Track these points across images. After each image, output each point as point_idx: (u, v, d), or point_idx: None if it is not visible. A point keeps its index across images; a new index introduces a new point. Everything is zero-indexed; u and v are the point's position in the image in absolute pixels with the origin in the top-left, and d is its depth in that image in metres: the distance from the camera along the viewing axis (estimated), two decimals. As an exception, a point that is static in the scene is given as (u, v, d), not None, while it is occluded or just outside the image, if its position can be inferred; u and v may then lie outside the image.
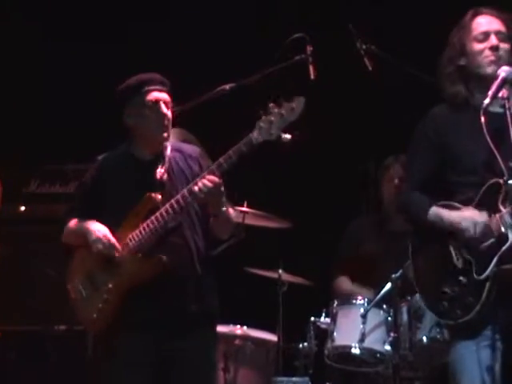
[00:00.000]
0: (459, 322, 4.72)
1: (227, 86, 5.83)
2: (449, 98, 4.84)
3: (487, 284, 4.57)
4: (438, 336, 5.91)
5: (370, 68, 5.96)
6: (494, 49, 4.65)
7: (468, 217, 4.69)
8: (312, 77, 5.75)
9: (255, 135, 4.90)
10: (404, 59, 5.85)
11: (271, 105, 4.88)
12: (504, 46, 4.68)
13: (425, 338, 5.98)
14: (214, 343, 5.50)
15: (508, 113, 4.51)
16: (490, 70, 4.67)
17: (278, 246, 6.56)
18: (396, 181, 6.62)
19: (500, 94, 4.54)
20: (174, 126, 5.74)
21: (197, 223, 5.28)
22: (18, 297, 6.61)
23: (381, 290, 6.07)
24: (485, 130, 4.44)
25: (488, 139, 4.45)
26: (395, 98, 6.33)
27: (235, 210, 5.45)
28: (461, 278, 4.68)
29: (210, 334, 5.39)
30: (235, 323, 6.47)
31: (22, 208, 6.86)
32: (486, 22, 4.73)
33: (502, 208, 4.57)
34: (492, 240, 4.60)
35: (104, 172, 5.39)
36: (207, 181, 4.95)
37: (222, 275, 5.84)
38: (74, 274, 5.31)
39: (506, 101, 4.55)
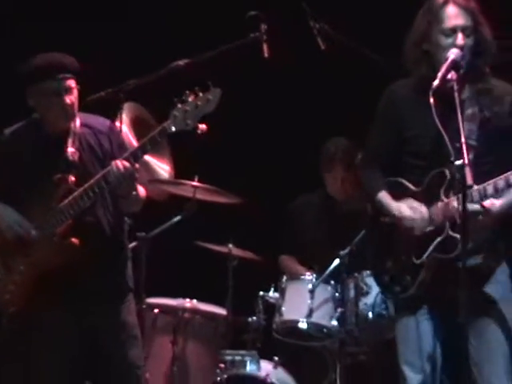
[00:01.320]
0: (398, 298, 4.93)
1: (181, 62, 5.79)
2: (415, 81, 4.86)
3: (423, 268, 4.74)
4: (384, 312, 6.06)
5: (323, 47, 5.96)
6: (460, 48, 4.67)
7: (407, 208, 4.82)
8: (266, 55, 5.74)
9: (169, 124, 4.92)
10: (357, 39, 5.83)
11: (187, 93, 4.86)
12: (468, 41, 4.70)
13: (370, 314, 6.10)
14: (129, 311, 5.43)
15: (457, 96, 4.55)
16: (451, 55, 4.69)
17: (229, 221, 6.54)
18: (338, 169, 6.73)
19: (449, 76, 4.58)
20: (128, 99, 5.79)
21: (109, 201, 5.28)
22: None
23: (328, 266, 6.13)
24: (433, 112, 4.48)
25: (436, 120, 4.49)
26: (348, 77, 6.35)
27: (143, 186, 5.40)
28: (402, 257, 4.84)
29: (121, 310, 5.36)
30: (185, 297, 6.43)
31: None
32: (454, 16, 4.72)
33: (443, 197, 4.68)
34: (431, 228, 4.73)
35: (11, 151, 5.31)
36: (122, 168, 4.94)
37: (172, 249, 5.89)
38: None
39: (455, 83, 4.58)
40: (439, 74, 4.57)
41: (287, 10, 6.07)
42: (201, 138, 4.88)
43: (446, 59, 4.62)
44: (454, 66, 4.61)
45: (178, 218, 6.36)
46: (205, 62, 5.78)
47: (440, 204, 4.69)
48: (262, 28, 5.76)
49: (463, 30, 4.69)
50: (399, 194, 4.88)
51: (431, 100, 4.49)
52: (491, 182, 4.50)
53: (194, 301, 6.44)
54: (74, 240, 5.06)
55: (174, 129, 4.87)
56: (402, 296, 4.84)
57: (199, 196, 6.22)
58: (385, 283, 5.01)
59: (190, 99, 4.83)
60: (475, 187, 4.49)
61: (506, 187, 4.50)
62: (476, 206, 4.51)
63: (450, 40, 4.68)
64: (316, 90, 6.67)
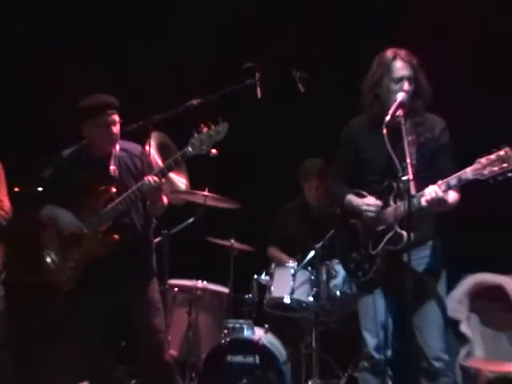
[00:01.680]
0: (360, 281, 5.01)
1: (195, 101, 5.71)
2: (369, 117, 4.90)
3: (378, 258, 4.84)
4: (348, 291, 6.09)
5: (302, 90, 6.01)
6: (405, 92, 4.72)
7: (369, 202, 4.88)
8: (259, 96, 5.74)
9: (189, 149, 4.98)
10: (328, 84, 5.84)
11: (202, 125, 4.96)
12: (411, 88, 4.76)
13: (338, 293, 6.14)
14: (154, 290, 5.46)
15: (403, 127, 4.60)
16: (398, 97, 4.72)
17: (231, 221, 6.55)
18: (313, 182, 6.66)
19: (398, 113, 4.66)
20: (155, 129, 5.74)
21: (140, 207, 5.33)
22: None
23: (306, 256, 6.16)
24: (386, 139, 4.55)
25: (388, 146, 4.55)
26: (321, 112, 6.36)
27: (166, 195, 5.44)
28: (362, 249, 4.95)
29: (150, 286, 5.40)
30: (197, 279, 6.44)
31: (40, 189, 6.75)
32: (401, 68, 4.76)
33: (392, 203, 4.77)
34: (383, 227, 4.82)
35: (67, 166, 5.32)
36: (152, 181, 5.03)
37: (188, 243, 5.94)
38: (46, 247, 5.30)
39: (402, 118, 4.65)
40: (390, 112, 4.64)
41: (275, 62, 6.04)
42: (212, 160, 4.98)
43: (395, 100, 4.69)
44: (401, 105, 4.68)
45: (191, 220, 6.42)
46: (213, 100, 5.70)
47: (390, 208, 4.77)
48: (256, 76, 5.75)
49: (408, 78, 4.75)
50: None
51: (384, 131, 4.55)
52: (444, 180, 4.50)
53: (204, 282, 6.45)
54: (115, 236, 5.15)
55: (192, 153, 4.98)
56: (363, 279, 4.95)
57: (208, 202, 6.26)
58: (350, 269, 5.11)
59: (205, 130, 4.94)
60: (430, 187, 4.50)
61: (458, 183, 4.50)
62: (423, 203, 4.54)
63: (397, 86, 4.75)
64: (297, 122, 6.70)
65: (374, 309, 4.91)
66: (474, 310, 5.54)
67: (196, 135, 4.97)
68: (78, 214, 5.23)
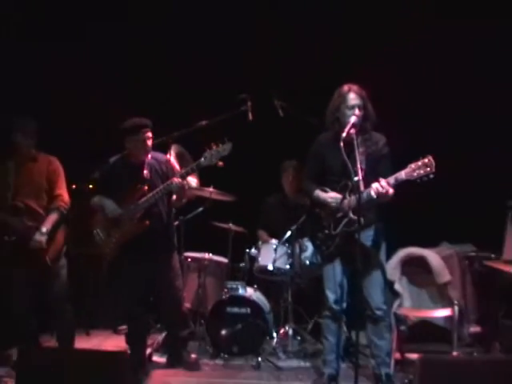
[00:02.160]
0: (324, 254, 5.05)
1: (203, 122, 5.77)
2: (332, 134, 4.92)
3: (337, 237, 4.90)
4: (315, 261, 6.04)
5: (281, 114, 5.98)
6: (356, 116, 4.78)
7: (332, 196, 4.92)
8: (250, 118, 5.75)
9: (202, 160, 5.06)
10: (300, 109, 5.79)
11: (213, 144, 5.03)
12: (360, 113, 4.82)
13: (307, 262, 6.13)
14: (175, 262, 5.51)
15: (355, 142, 4.67)
16: (352, 120, 4.77)
17: (230, 210, 6.51)
18: (290, 178, 6.60)
19: (351, 131, 4.72)
20: (174, 143, 5.72)
21: (165, 200, 5.37)
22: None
23: (284, 235, 6.12)
24: (342, 151, 4.60)
25: (344, 156, 4.59)
26: (296, 130, 6.34)
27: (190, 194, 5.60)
28: (326, 230, 4.99)
29: (172, 258, 5.46)
30: (205, 251, 6.41)
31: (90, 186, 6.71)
32: (353, 99, 4.81)
33: (348, 196, 4.81)
34: (341, 214, 4.88)
35: (112, 170, 5.37)
36: (178, 182, 5.11)
37: (199, 226, 5.94)
38: (95, 226, 5.34)
39: (354, 135, 4.71)
40: (345, 130, 4.71)
41: (262, 94, 6.03)
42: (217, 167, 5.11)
43: (349, 122, 4.77)
44: (353, 126, 4.76)
45: (201, 209, 6.38)
46: (216, 123, 5.75)
47: (346, 200, 4.83)
48: (247, 104, 5.75)
49: (358, 106, 4.82)
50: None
51: (341, 144, 4.61)
52: (386, 180, 4.55)
53: (210, 254, 6.43)
54: (146, 222, 5.22)
55: (204, 163, 5.07)
56: (326, 252, 5.01)
57: (213, 196, 6.23)
58: (316, 245, 5.17)
59: (215, 147, 5.03)
60: (373, 185, 4.58)
61: (395, 182, 4.55)
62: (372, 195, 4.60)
63: (351, 112, 4.82)
64: (278, 138, 6.62)
65: (334, 273, 4.99)
66: (404, 273, 5.53)
67: (208, 150, 5.03)
68: (119, 204, 5.28)
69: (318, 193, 5.03)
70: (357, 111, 4.82)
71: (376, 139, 4.92)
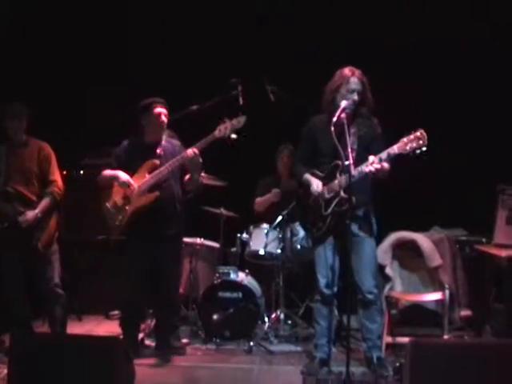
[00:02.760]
0: (315, 236, 5.06)
1: (194, 107, 5.83)
2: (326, 116, 4.91)
3: (328, 217, 4.91)
4: (306, 245, 6.06)
5: (273, 99, 6.00)
6: (353, 101, 4.81)
7: (315, 184, 4.95)
8: (241, 103, 5.74)
9: (217, 133, 5.09)
10: (290, 94, 5.80)
11: (226, 118, 5.07)
12: (359, 98, 4.84)
13: (298, 246, 6.14)
14: (180, 247, 5.61)
15: (345, 126, 4.70)
16: (342, 104, 4.79)
17: (221, 195, 6.47)
18: (285, 160, 6.61)
19: (342, 116, 4.75)
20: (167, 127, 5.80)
21: (178, 179, 5.40)
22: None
23: (276, 220, 6.12)
24: (333, 135, 4.65)
25: (335, 140, 4.65)
26: (287, 114, 6.32)
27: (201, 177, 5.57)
28: (317, 212, 4.98)
29: (178, 243, 5.54)
30: (196, 236, 6.39)
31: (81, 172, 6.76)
32: (355, 83, 4.83)
33: (338, 176, 4.84)
34: (332, 194, 4.89)
35: (128, 148, 5.41)
36: (192, 152, 5.12)
37: (191, 211, 5.91)
38: (106, 201, 5.35)
39: (345, 119, 4.74)
40: (336, 114, 4.73)
41: (254, 78, 6.02)
42: (232, 144, 5.18)
43: (339, 107, 4.77)
44: (344, 110, 4.77)
45: (191, 194, 6.35)
46: (207, 106, 5.78)
47: (337, 180, 4.83)
48: (238, 88, 5.76)
49: (358, 92, 4.85)
50: (314, 177, 5.00)
51: (332, 128, 4.66)
52: (378, 155, 4.60)
53: (202, 239, 6.42)
54: (155, 193, 5.23)
55: (218, 135, 5.09)
56: (317, 235, 5.02)
57: (205, 181, 5.96)
58: (307, 228, 5.21)
59: (228, 120, 5.08)
60: (370, 158, 4.62)
61: (388, 157, 4.59)
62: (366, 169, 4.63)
63: (350, 95, 4.83)
64: (269, 121, 6.60)
65: (325, 257, 5.00)
66: (395, 257, 5.57)
67: (222, 123, 5.08)
68: (132, 177, 5.29)
69: (307, 176, 5.06)
70: (355, 96, 4.84)
71: (370, 122, 4.95)
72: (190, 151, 5.16)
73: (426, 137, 4.46)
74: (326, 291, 5.00)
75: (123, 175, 5.28)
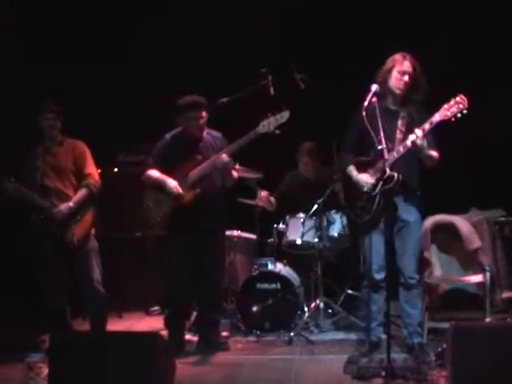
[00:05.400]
0: (364, 221, 4.97)
1: (225, 99, 5.72)
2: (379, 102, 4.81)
3: (377, 197, 4.81)
4: (343, 233, 6.08)
5: (303, 87, 5.89)
6: (404, 83, 4.84)
7: (364, 180, 4.92)
8: (272, 93, 5.65)
9: (260, 128, 5.05)
10: (321, 83, 5.66)
11: (269, 113, 5.02)
12: (409, 81, 4.84)
13: (336, 234, 6.12)
14: (223, 241, 5.67)
15: (377, 111, 4.65)
16: (397, 91, 4.87)
17: (256, 186, 6.49)
18: (305, 159, 6.63)
19: (373, 100, 4.70)
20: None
21: (219, 174, 5.37)
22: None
23: (312, 209, 6.08)
24: (364, 119, 4.59)
25: (367, 125, 4.60)
26: (315, 104, 6.28)
27: (236, 172, 5.58)
28: (365, 196, 4.92)
29: (221, 237, 5.59)
30: (234, 229, 6.39)
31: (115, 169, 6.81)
32: (407, 66, 4.86)
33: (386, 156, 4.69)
34: (378, 175, 4.80)
35: (170, 143, 5.41)
36: (223, 157, 5.12)
37: (229, 203, 5.92)
38: (147, 198, 5.37)
39: (376, 104, 4.69)
40: (367, 99, 4.66)
41: (283, 67, 5.96)
42: (278, 138, 5.13)
43: (370, 90, 4.70)
44: (375, 94, 4.71)
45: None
46: (239, 97, 5.70)
47: (384, 160, 4.68)
48: (268, 78, 5.67)
49: (409, 74, 4.87)
50: (362, 163, 4.97)
51: (363, 113, 4.59)
52: (421, 126, 4.62)
53: (239, 231, 6.45)
54: (197, 190, 5.23)
55: (262, 131, 5.05)
56: (366, 219, 4.93)
57: (240, 174, 5.86)
58: (356, 214, 5.03)
59: (271, 115, 5.03)
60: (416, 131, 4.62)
61: (430, 126, 4.60)
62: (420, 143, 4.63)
63: (401, 77, 4.86)
64: (298, 112, 6.59)
65: (375, 243, 4.95)
66: (434, 241, 5.52)
67: (265, 118, 5.04)
68: (175, 176, 5.29)
69: (350, 170, 5.05)
70: (406, 77, 4.86)
71: (420, 107, 4.93)
72: (223, 156, 5.16)
73: (466, 100, 4.49)
74: (378, 276, 4.97)
75: (171, 182, 5.27)
